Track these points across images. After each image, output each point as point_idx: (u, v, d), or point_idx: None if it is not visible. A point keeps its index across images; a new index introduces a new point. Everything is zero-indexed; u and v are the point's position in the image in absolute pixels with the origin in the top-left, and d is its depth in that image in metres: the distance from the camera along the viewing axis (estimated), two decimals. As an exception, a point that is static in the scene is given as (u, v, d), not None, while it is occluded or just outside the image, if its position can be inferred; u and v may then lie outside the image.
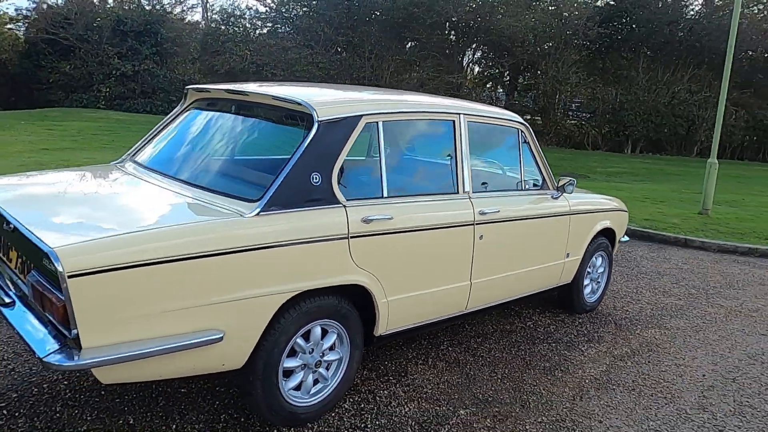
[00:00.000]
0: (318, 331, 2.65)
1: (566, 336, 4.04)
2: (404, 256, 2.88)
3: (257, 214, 2.37)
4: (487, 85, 25.82)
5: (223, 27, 21.85)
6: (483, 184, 3.46)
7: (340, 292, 2.65)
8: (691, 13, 23.59)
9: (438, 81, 22.13)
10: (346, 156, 2.68)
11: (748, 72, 24.21)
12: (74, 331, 1.97)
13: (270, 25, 22.52)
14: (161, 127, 3.36)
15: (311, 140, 2.54)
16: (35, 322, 2.20)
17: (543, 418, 2.95)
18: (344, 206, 2.63)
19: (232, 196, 2.51)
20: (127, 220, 2.40)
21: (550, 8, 22.31)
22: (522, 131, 3.73)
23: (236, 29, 21.95)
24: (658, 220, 8.50)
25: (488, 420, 2.89)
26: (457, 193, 3.21)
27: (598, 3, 23.67)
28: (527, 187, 3.78)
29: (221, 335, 2.26)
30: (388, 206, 2.81)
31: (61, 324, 2.02)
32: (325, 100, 2.76)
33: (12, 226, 2.32)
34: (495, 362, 3.53)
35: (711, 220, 9.04)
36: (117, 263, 2.01)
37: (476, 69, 24.17)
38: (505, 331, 4.01)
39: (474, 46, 22.83)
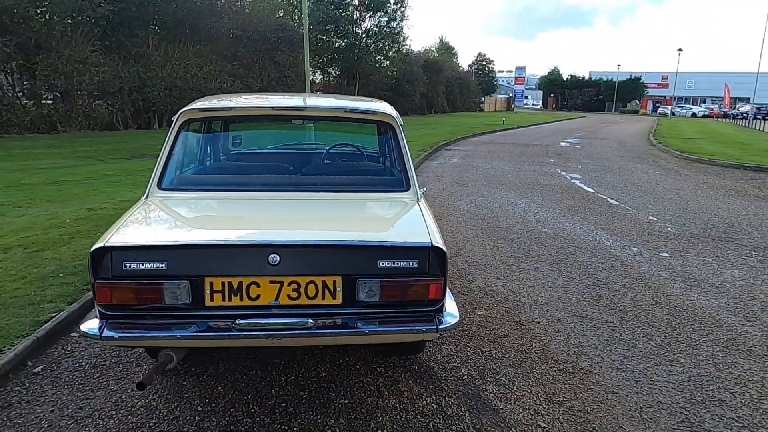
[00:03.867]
0: None
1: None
2: None
3: (419, 199, 3.23)
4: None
5: None
6: None
7: None
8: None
9: None
10: None
11: (234, 46, 28.50)
12: (441, 301, 2.63)
13: None
14: (169, 151, 3.24)
15: (402, 139, 3.44)
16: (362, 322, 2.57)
17: (489, 277, 4.76)
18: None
19: (386, 191, 3.22)
20: (395, 217, 3.06)
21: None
22: None
23: None
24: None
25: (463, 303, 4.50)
26: None
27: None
28: None
29: None
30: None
31: (425, 301, 2.60)
32: (385, 108, 3.56)
33: (276, 257, 2.47)
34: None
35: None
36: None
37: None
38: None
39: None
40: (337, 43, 39.20)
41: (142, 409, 2.93)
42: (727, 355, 3.71)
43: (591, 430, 2.85)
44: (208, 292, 2.48)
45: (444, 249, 2.57)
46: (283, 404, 3.01)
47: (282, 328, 2.50)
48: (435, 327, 2.60)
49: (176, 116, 3.36)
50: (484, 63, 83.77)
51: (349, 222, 3.02)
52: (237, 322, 2.47)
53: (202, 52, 26.55)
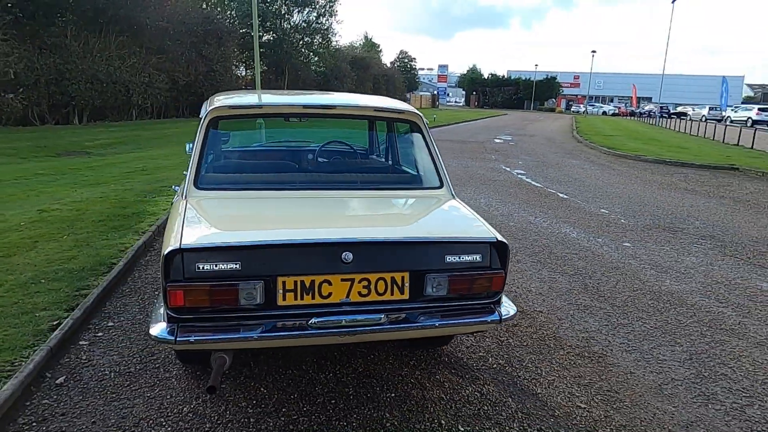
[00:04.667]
0: None
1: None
2: None
3: (454, 195, 3.34)
4: None
5: None
6: None
7: None
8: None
9: None
10: None
11: (159, 39, 27.30)
12: (500, 293, 2.75)
13: None
14: (201, 150, 3.17)
15: (429, 137, 3.53)
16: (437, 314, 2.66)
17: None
18: None
19: (424, 188, 3.31)
20: (446, 213, 3.15)
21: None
22: None
23: None
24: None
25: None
26: None
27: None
28: None
29: None
30: None
31: (486, 293, 2.71)
32: (410, 107, 3.63)
33: (348, 255, 2.50)
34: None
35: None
36: None
37: None
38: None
39: None
40: (264, 37, 38.44)
41: (190, 415, 2.86)
42: (714, 334, 4.08)
43: (625, 407, 3.08)
44: (280, 291, 2.47)
45: (507, 243, 2.69)
46: (333, 401, 3.03)
47: (358, 325, 2.53)
48: (498, 318, 2.72)
49: (205, 114, 3.27)
50: (407, 60, 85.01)
51: (406, 218, 3.08)
52: (314, 320, 2.48)
53: (126, 44, 25.28)
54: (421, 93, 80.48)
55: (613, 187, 10.89)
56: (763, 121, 36.36)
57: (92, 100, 23.54)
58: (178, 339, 2.37)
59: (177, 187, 3.34)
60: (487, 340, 3.86)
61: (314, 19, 38.37)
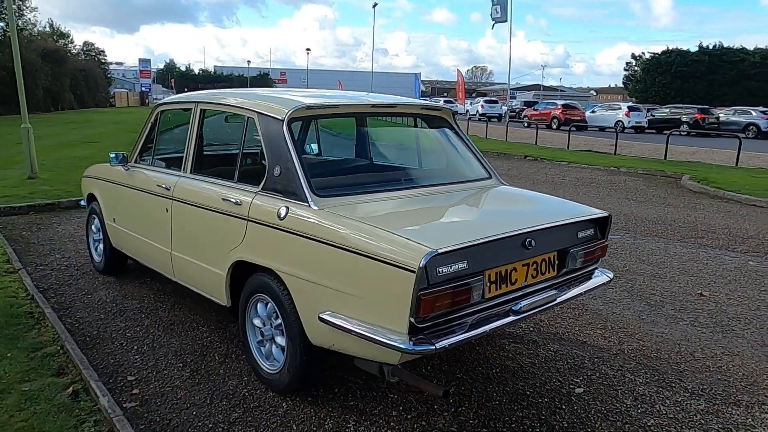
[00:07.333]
0: None
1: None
2: None
3: (504, 183, 3.72)
4: None
5: None
6: None
7: None
8: None
9: None
10: None
11: None
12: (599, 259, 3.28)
13: None
14: (297, 155, 2.94)
15: (463, 131, 3.83)
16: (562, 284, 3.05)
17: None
18: None
19: (479, 180, 3.59)
20: (542, 198, 3.67)
21: None
22: None
23: None
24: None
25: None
26: None
27: None
28: None
29: None
30: None
31: (593, 261, 3.19)
32: (442, 105, 3.83)
33: (532, 242, 2.76)
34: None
35: (42, 181, 9.72)
36: None
37: None
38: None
39: None
40: None
41: (363, 438, 2.67)
42: (627, 276, 5.30)
43: (643, 337, 3.92)
44: (487, 284, 2.56)
45: (611, 215, 3.23)
46: (462, 388, 3.15)
47: (548, 302, 2.80)
48: (609, 279, 3.27)
49: (284, 116, 2.94)
50: (94, 54, 76.27)
51: (526, 205, 3.38)
52: (522, 304, 2.66)
53: None
54: (125, 90, 73.61)
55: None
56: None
57: None
58: (437, 346, 2.30)
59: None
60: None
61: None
